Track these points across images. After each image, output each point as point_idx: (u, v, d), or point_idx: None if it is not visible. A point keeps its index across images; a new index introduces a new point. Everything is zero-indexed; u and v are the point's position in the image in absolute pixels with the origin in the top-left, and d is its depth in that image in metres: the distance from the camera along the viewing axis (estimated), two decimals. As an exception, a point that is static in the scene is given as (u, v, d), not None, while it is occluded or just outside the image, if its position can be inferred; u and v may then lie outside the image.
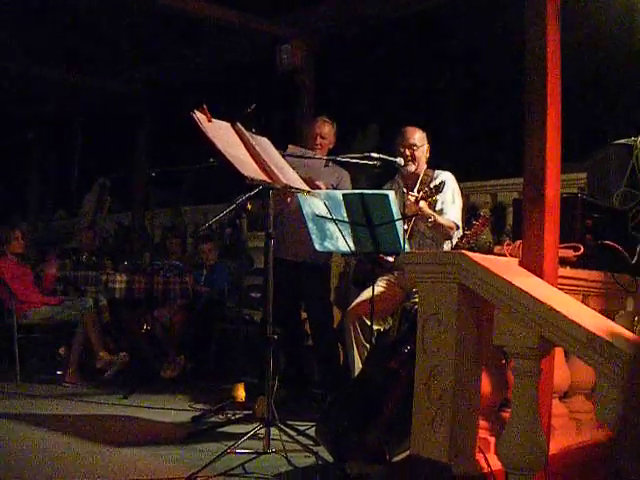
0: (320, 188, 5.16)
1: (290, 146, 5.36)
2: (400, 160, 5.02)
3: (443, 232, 4.91)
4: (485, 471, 3.04)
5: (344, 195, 4.51)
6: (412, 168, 5.08)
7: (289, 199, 5.32)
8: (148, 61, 9.44)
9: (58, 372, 6.80)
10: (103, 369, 6.58)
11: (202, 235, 8.40)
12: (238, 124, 4.16)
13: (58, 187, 14.85)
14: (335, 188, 5.36)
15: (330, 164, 5.57)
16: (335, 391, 5.04)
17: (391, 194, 4.38)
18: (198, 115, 3.90)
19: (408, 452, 3.19)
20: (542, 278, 3.08)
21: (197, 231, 9.88)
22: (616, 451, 2.66)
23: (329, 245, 4.65)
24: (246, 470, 3.64)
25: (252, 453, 3.79)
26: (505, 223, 7.00)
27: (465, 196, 6.06)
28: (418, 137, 5.12)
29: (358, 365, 4.81)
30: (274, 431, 3.92)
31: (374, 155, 4.89)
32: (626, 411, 2.45)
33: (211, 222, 5.47)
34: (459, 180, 5.16)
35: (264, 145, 4.23)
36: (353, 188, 5.48)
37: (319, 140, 5.64)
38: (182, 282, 7.25)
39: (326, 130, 5.68)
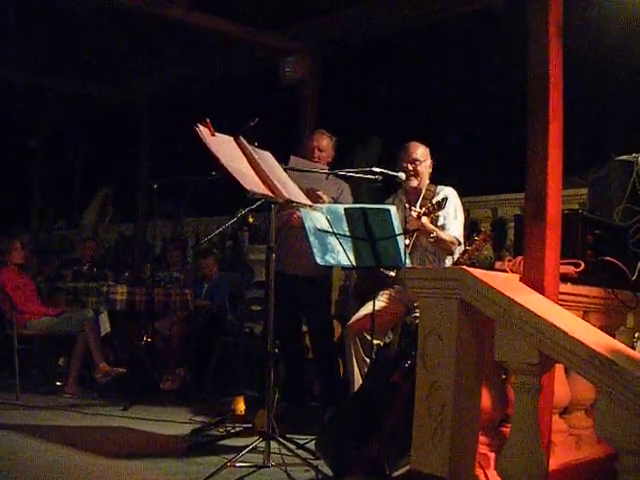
0: (322, 198, 5.17)
1: (292, 157, 5.37)
2: (401, 175, 5.01)
3: (445, 247, 4.91)
4: (485, 487, 3.04)
5: (346, 209, 4.51)
6: (415, 183, 5.08)
7: (295, 215, 5.29)
8: (150, 72, 9.46)
9: (58, 383, 6.81)
10: (102, 381, 6.57)
11: (203, 249, 8.40)
12: (241, 138, 4.18)
13: (59, 197, 14.84)
14: (336, 200, 5.36)
15: (330, 176, 5.57)
16: (335, 405, 5.04)
17: (393, 209, 4.38)
18: (201, 129, 3.93)
19: (408, 467, 3.19)
20: (543, 294, 3.09)
21: (198, 244, 9.87)
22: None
23: (330, 259, 4.64)
24: (246, 484, 3.64)
25: (252, 467, 3.79)
26: (506, 238, 7.00)
27: (466, 211, 6.07)
28: (421, 152, 5.12)
29: (358, 380, 4.79)
30: (274, 445, 3.93)
31: (376, 170, 4.89)
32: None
33: (212, 235, 5.50)
34: (460, 195, 5.17)
35: (266, 159, 4.25)
36: (354, 202, 5.48)
37: (317, 153, 5.64)
38: (182, 294, 7.24)
39: (324, 143, 5.68)
